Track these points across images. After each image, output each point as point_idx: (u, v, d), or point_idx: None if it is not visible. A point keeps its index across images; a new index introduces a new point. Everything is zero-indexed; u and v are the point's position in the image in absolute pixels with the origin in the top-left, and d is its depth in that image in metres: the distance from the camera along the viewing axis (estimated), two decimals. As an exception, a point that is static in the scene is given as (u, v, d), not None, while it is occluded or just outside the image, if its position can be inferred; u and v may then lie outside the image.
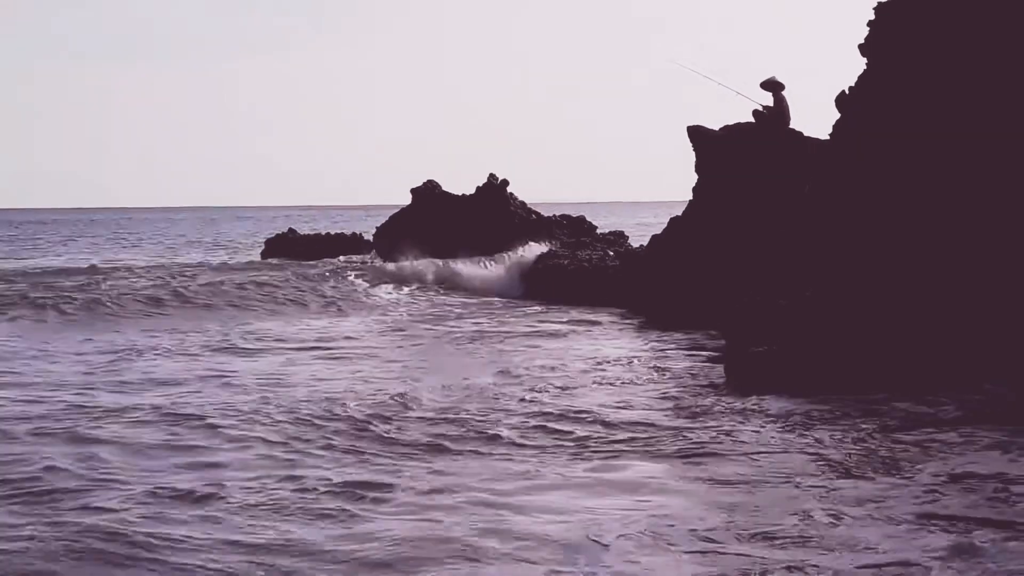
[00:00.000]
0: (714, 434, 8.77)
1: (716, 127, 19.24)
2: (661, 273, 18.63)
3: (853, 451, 8.05)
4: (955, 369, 9.83)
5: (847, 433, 8.62)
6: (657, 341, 15.57)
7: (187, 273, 25.26)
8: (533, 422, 9.36)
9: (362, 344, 15.42)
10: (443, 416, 9.60)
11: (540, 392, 10.87)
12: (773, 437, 8.61)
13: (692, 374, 12.12)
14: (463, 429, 9.06)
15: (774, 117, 18.19)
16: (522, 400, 10.41)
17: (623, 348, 14.89)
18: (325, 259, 27.39)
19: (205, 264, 28.98)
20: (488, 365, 13.11)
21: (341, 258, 27.81)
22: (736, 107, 40.29)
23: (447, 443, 8.55)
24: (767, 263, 14.14)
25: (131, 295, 20.98)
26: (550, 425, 9.15)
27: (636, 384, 11.54)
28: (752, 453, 8.09)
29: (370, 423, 9.25)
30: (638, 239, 27.43)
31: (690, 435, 8.73)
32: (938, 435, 8.32)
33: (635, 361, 13.37)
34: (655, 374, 12.18)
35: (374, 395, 10.66)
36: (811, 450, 8.08)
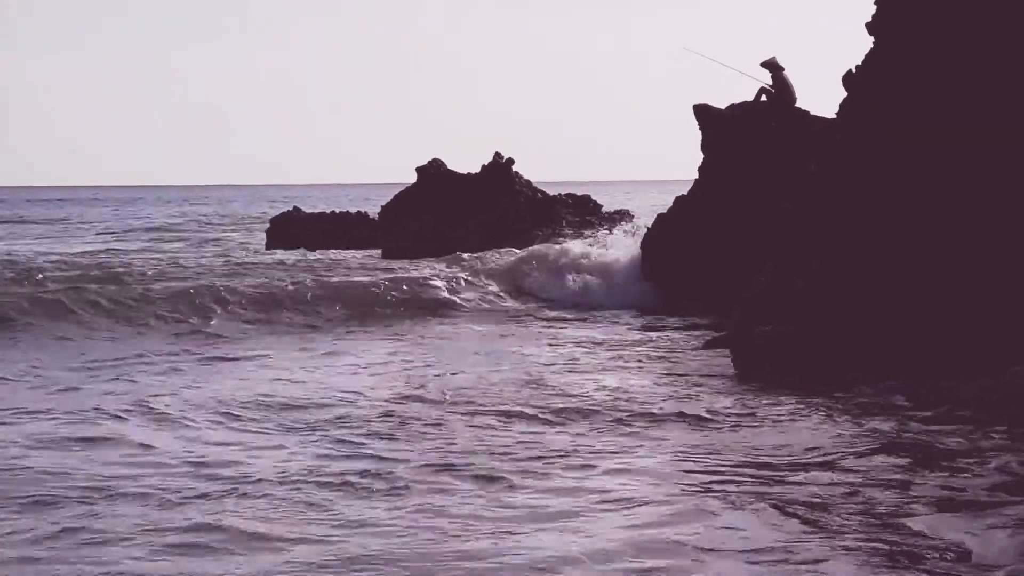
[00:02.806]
0: (723, 423, 8.70)
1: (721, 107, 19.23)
2: (669, 252, 18.64)
3: (887, 444, 7.82)
4: (971, 352, 9.74)
5: (878, 420, 8.43)
6: (667, 320, 15.60)
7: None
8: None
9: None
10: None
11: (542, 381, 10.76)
12: (786, 424, 8.60)
13: (700, 357, 12.13)
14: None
15: (777, 96, 18.21)
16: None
17: (627, 331, 14.84)
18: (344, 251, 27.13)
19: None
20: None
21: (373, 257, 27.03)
22: (742, 90, 40.22)
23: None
24: (773, 242, 14.12)
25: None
26: (542, 416, 9.02)
27: (644, 369, 11.54)
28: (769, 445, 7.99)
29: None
30: (642, 219, 27.43)
31: (700, 425, 8.61)
32: (972, 423, 8.12)
33: (642, 344, 13.35)
34: (662, 360, 12.16)
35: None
36: (842, 444, 7.79)
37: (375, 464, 7.40)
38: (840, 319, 10.57)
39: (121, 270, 20.35)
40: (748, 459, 7.48)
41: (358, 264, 22.57)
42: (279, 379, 10.96)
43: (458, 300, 18.35)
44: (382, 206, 28.43)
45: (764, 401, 9.40)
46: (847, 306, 10.63)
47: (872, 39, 11.84)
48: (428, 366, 11.96)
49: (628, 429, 8.49)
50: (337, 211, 31.52)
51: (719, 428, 8.52)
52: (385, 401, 9.70)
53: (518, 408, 9.30)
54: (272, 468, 7.30)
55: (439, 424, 8.71)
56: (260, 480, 6.99)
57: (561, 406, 9.36)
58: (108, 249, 32.18)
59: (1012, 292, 9.98)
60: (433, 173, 26.98)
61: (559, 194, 27.27)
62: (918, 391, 9.22)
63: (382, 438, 8.26)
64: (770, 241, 12.84)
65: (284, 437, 8.34)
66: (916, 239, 10.60)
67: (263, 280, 18.50)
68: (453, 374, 11.28)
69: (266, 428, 8.69)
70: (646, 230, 20.19)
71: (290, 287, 17.54)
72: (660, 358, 12.33)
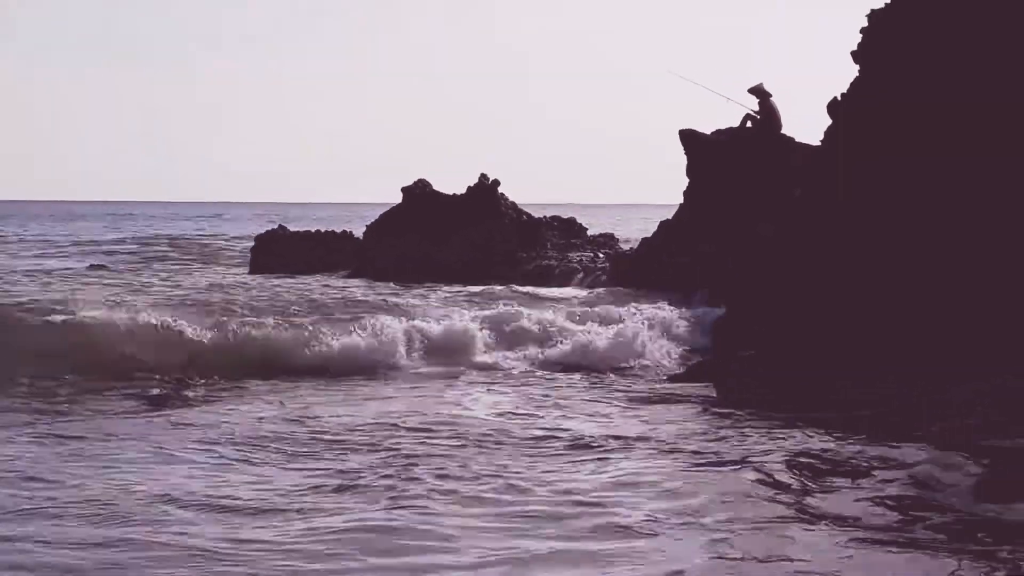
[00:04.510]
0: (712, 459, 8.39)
1: (707, 131, 19.32)
2: (651, 274, 18.66)
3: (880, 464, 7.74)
4: (958, 372, 9.75)
5: (863, 440, 8.32)
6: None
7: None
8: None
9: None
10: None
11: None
12: (768, 445, 8.53)
13: (679, 383, 12.06)
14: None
15: (763, 123, 18.30)
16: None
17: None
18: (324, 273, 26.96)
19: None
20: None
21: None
22: (727, 114, 40.34)
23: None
24: (757, 267, 14.15)
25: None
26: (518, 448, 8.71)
27: (621, 398, 11.44)
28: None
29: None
30: (627, 242, 27.47)
31: (680, 451, 8.43)
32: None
33: (621, 375, 13.10)
34: (641, 388, 12.00)
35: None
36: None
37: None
38: (824, 341, 10.56)
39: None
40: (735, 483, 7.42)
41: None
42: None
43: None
44: (367, 226, 28.39)
45: (745, 424, 9.35)
46: (831, 329, 10.63)
47: (857, 67, 11.89)
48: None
49: (603, 457, 8.35)
50: (323, 230, 31.44)
51: (695, 453, 8.41)
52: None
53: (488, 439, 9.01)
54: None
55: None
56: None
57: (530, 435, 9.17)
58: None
59: (994, 312, 10.00)
60: (419, 193, 26.97)
61: (544, 216, 27.27)
62: (905, 407, 9.24)
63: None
64: (752, 266, 12.86)
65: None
66: (900, 262, 10.62)
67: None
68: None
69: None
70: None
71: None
72: (640, 387, 12.13)
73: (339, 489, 7.25)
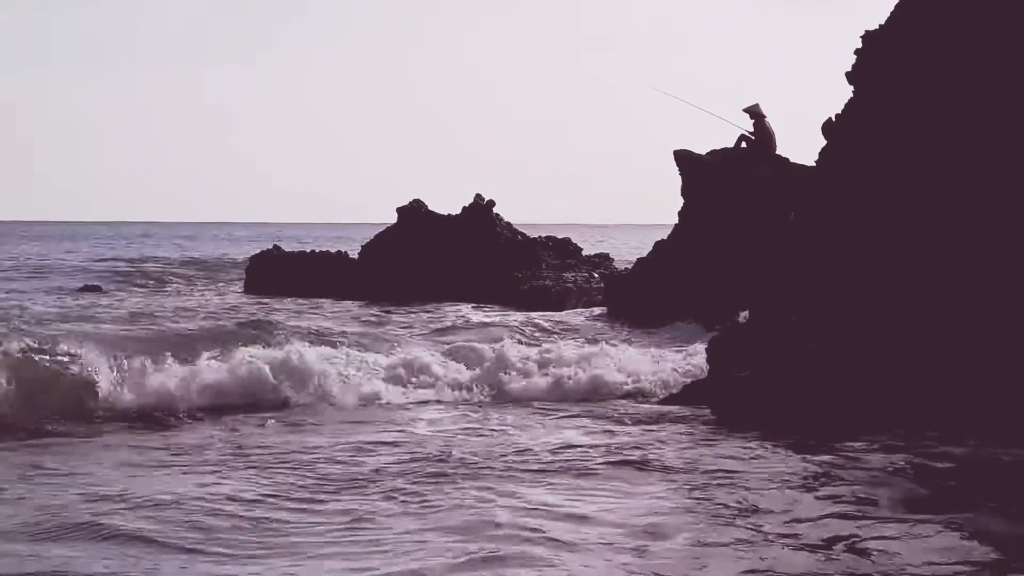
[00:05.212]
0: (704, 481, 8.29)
1: (701, 151, 19.32)
2: (647, 296, 18.62)
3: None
4: (950, 402, 9.71)
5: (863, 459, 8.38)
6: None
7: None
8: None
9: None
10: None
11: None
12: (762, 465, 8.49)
13: (673, 403, 11.97)
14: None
15: (757, 143, 18.29)
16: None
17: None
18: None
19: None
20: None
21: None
22: (719, 134, 40.47)
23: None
24: (752, 289, 14.14)
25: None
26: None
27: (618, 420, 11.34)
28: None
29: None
30: (622, 262, 27.48)
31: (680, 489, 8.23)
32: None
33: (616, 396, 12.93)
34: (636, 410, 11.89)
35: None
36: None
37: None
38: (820, 366, 10.52)
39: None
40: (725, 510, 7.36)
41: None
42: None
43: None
44: (362, 246, 28.38)
45: (727, 444, 9.40)
46: (825, 353, 10.59)
47: (852, 88, 11.88)
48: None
49: (583, 479, 8.28)
50: (317, 250, 31.39)
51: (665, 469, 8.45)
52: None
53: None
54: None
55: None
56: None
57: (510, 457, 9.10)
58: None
59: (988, 329, 9.98)
60: (413, 214, 26.97)
61: (539, 236, 27.26)
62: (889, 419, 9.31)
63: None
64: (748, 288, 12.84)
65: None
66: (897, 281, 10.60)
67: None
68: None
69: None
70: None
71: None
72: (631, 410, 11.90)
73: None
